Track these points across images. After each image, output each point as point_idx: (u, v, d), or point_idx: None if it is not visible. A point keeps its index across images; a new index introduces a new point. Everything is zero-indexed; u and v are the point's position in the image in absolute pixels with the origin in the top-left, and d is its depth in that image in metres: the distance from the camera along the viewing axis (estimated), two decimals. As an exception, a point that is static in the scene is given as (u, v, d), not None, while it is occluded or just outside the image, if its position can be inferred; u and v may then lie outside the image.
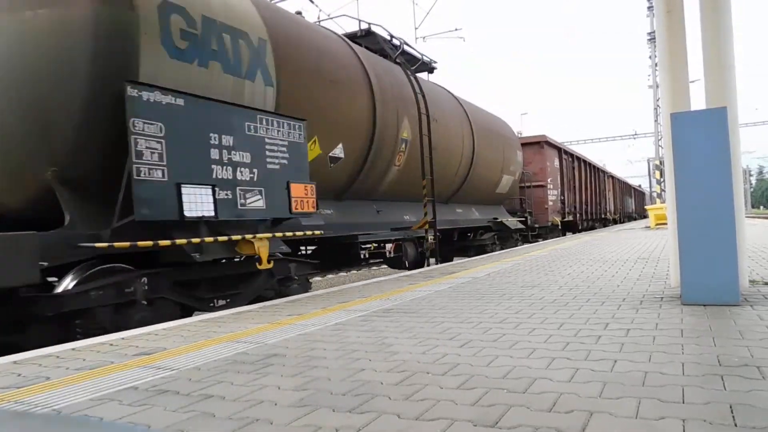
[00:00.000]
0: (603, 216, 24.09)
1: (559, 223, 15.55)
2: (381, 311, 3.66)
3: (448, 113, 9.93)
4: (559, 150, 16.70)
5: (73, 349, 2.89)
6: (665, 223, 15.79)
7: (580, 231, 19.18)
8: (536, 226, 14.41)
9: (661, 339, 2.47)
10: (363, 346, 2.64)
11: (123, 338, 3.15)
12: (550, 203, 14.99)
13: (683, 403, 1.64)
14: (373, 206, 7.79)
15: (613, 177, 28.60)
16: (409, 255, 8.43)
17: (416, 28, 18.38)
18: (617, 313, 3.16)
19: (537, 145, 15.04)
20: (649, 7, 26.66)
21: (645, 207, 32.55)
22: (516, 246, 12.50)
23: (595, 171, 22.44)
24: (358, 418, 1.66)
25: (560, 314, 3.21)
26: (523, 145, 14.49)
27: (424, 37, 20.17)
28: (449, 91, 10.96)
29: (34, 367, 2.54)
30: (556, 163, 16.13)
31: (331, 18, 11.41)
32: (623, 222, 30.98)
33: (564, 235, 17.25)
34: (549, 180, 15.01)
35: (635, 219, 38.07)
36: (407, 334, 2.86)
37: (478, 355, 2.36)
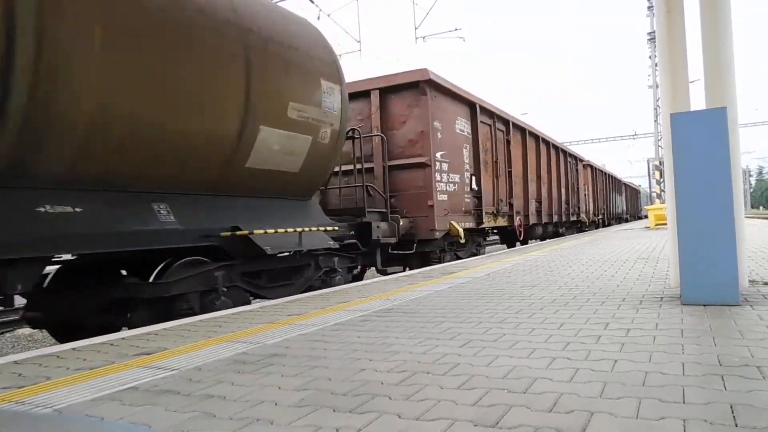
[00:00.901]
0: (576, 218, 18.22)
1: (461, 233, 8.36)
2: (381, 311, 3.66)
3: None
4: (472, 106, 9.51)
5: (73, 349, 2.89)
6: (665, 223, 15.46)
7: (521, 241, 12.79)
8: (392, 241, 7.35)
9: (661, 339, 2.47)
10: (363, 346, 2.65)
11: (123, 338, 3.15)
12: (442, 197, 8.14)
13: (684, 403, 1.65)
14: None
15: (592, 167, 22.06)
16: None
17: (416, 28, 18.37)
18: (617, 313, 3.16)
19: (411, 89, 7.92)
20: (649, 7, 26.65)
21: (644, 207, 31.05)
22: (329, 286, 6.03)
23: (559, 154, 15.98)
24: (359, 418, 1.66)
25: (560, 314, 3.22)
26: (385, 90, 8.05)
27: (424, 37, 20.18)
28: None
29: (35, 366, 2.54)
30: (462, 126, 9.08)
31: None
32: (609, 225, 25.67)
33: (481, 250, 10.42)
34: (440, 155, 8.11)
35: (626, 221, 33.03)
36: (407, 334, 2.86)
37: (479, 355, 2.36)
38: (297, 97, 5.44)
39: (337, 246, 6.18)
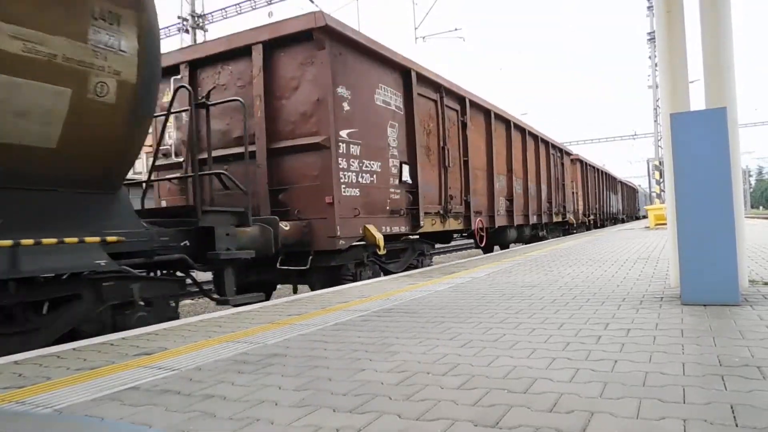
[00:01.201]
0: (561, 218, 15.94)
1: (379, 241, 6.10)
2: (381, 311, 3.66)
3: None
4: (406, 72, 7.14)
5: (74, 349, 2.89)
6: (664, 223, 15.41)
7: (485, 249, 10.77)
8: (244, 256, 4.71)
9: (661, 339, 2.48)
10: (363, 346, 2.65)
11: (124, 338, 3.15)
12: (349, 192, 5.93)
13: (684, 403, 1.65)
14: None
15: (582, 161, 19.64)
16: None
17: (416, 28, 18.38)
18: (617, 313, 3.16)
19: (304, 42, 5.71)
20: (649, 7, 26.68)
21: (644, 207, 30.56)
22: (121, 329, 3.73)
23: (539, 144, 13.70)
24: (359, 418, 1.66)
25: (560, 314, 3.22)
26: (271, 44, 5.85)
27: (424, 37, 20.19)
28: None
29: (35, 367, 2.54)
30: (387, 98, 6.74)
31: None
32: (603, 226, 23.76)
33: (426, 261, 8.08)
34: (347, 133, 5.93)
35: (622, 221, 30.74)
36: (407, 334, 2.86)
37: (479, 355, 2.36)
38: (18, 16, 3.04)
39: (115, 266, 3.71)
